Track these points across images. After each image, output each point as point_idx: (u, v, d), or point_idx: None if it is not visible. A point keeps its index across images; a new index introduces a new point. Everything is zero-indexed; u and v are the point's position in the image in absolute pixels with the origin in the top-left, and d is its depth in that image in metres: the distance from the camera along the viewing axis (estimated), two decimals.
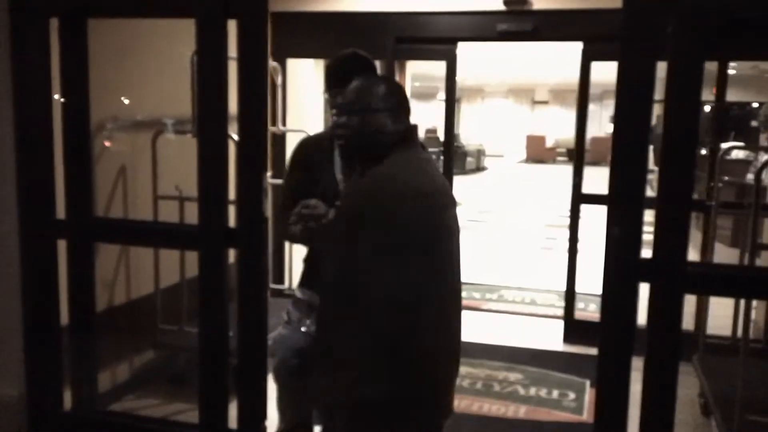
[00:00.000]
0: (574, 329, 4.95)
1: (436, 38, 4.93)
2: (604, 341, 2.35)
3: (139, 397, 3.80)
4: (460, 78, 20.91)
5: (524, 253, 8.28)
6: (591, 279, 6.40)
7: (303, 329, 2.41)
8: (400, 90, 2.03)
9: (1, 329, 3.07)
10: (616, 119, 2.45)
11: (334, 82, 2.30)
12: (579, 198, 4.94)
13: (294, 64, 5.24)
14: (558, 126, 25.45)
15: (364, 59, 2.35)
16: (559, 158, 23.90)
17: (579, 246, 5.03)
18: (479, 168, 19.89)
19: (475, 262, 7.18)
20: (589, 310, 5.66)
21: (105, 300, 3.62)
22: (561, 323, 5.08)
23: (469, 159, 19.27)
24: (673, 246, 2.21)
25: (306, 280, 2.44)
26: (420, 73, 17.26)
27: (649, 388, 2.25)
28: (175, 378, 3.99)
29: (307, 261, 2.48)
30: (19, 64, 2.85)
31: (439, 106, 25.77)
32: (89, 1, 2.81)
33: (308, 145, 2.52)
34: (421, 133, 22.98)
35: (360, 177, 1.97)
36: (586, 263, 5.12)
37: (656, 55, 2.21)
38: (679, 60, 2.18)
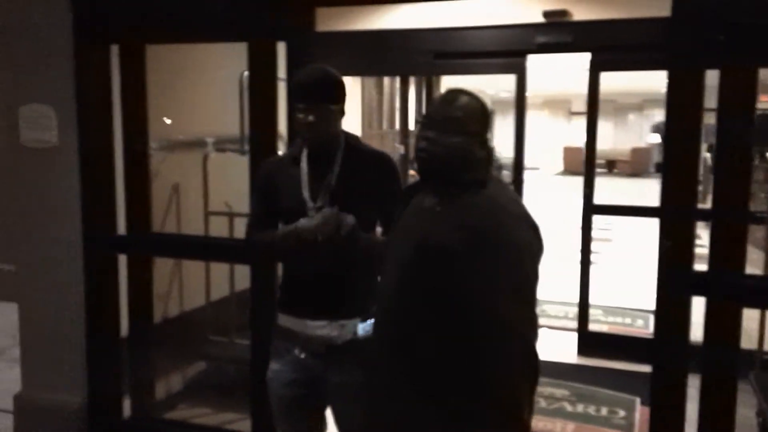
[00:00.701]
0: (589, 342, 4.92)
1: (474, 53, 4.99)
2: (657, 358, 2.29)
3: (192, 407, 3.90)
4: (494, 91, 20.66)
5: (564, 267, 8.22)
6: (634, 293, 6.37)
7: (294, 357, 2.22)
8: (487, 110, 1.85)
9: (64, 339, 3.22)
10: (666, 130, 2.41)
11: (301, 97, 2.15)
12: (590, 209, 4.92)
13: None
14: (598, 137, 25.15)
15: (335, 78, 2.19)
16: (598, 169, 23.53)
17: (592, 257, 5.09)
18: (515, 181, 19.75)
19: None
20: (636, 325, 5.59)
21: (160, 312, 3.75)
22: (604, 338, 5.02)
23: (504, 172, 19.15)
24: (729, 258, 2.16)
25: (285, 305, 2.27)
26: (455, 87, 17.28)
27: (706, 406, 2.20)
28: (225, 388, 4.09)
29: (286, 285, 2.31)
30: (82, 87, 3.01)
31: None
32: (148, 29, 2.96)
33: (268, 167, 2.36)
34: None
35: (450, 202, 1.73)
36: (632, 277, 5.06)
37: (706, 64, 2.17)
38: (730, 68, 2.13)
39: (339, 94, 2.17)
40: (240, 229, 3.89)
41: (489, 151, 1.78)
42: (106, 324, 3.15)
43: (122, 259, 3.19)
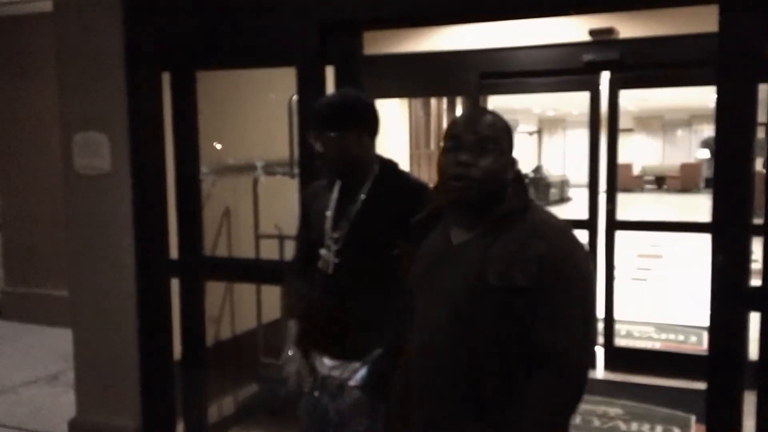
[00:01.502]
0: (614, 356, 4.85)
1: (521, 72, 4.96)
2: (712, 374, 2.27)
3: (245, 429, 3.92)
4: (540, 109, 20.59)
5: (616, 284, 8.05)
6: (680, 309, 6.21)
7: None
8: (510, 127, 1.70)
9: (118, 364, 3.27)
10: (717, 144, 2.38)
11: (311, 125, 2.07)
12: (613, 225, 4.83)
13: (381, 105, 5.39)
14: (644, 153, 24.76)
15: (350, 104, 2.08)
16: (647, 186, 23.17)
17: (615, 273, 5.00)
18: (563, 199, 19.53)
19: None
20: (690, 342, 5.44)
21: (212, 335, 3.79)
22: (657, 355, 4.91)
23: (552, 190, 18.97)
24: None
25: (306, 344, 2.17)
26: (500, 107, 17.27)
27: (763, 423, 2.18)
28: (276, 410, 4.09)
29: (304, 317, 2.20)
30: (134, 113, 3.08)
31: (519, 138, 25.63)
32: (198, 55, 3.02)
33: (307, 193, 2.33)
34: None
35: (500, 232, 1.56)
36: (685, 293, 4.94)
37: (757, 78, 2.15)
38: None
39: (354, 121, 2.05)
40: (290, 252, 3.91)
41: (518, 171, 1.66)
42: (159, 347, 3.19)
43: (174, 283, 3.23)
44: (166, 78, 3.12)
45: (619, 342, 5.40)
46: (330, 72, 2.83)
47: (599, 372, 4.83)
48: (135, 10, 3.00)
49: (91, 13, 3.05)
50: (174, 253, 3.19)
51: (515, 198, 1.61)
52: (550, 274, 1.49)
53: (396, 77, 5.17)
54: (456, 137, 1.57)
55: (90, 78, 3.11)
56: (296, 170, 3.30)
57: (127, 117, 3.06)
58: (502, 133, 1.58)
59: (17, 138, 6.08)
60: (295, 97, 3.08)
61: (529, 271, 1.48)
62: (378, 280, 2.03)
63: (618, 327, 5.93)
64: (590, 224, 4.93)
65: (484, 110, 1.69)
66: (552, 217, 1.62)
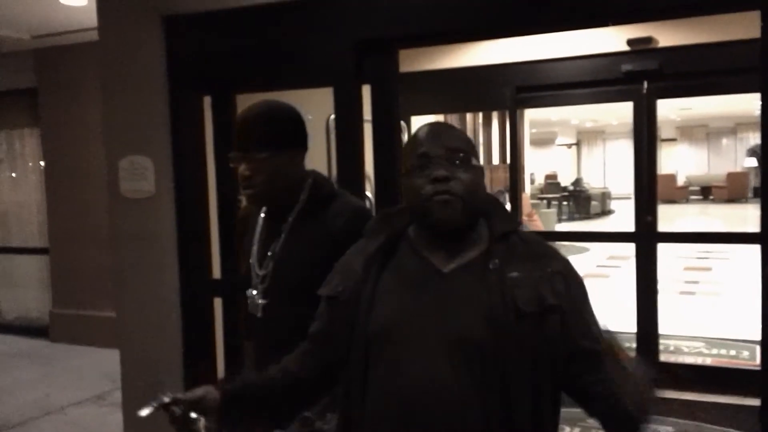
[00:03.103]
0: (661, 373, 4.65)
1: (558, 84, 4.93)
2: (766, 390, 2.21)
3: None
4: (579, 121, 20.38)
5: (662, 298, 7.88)
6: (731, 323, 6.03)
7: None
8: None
9: (165, 383, 3.31)
10: (763, 152, 2.34)
11: (234, 144, 1.77)
12: (654, 237, 4.69)
13: (417, 121, 5.41)
14: (688, 163, 24.29)
15: (275, 117, 1.79)
16: (692, 197, 22.71)
17: (659, 286, 4.84)
18: (605, 212, 19.24)
19: (610, 311, 6.91)
20: (742, 357, 5.28)
21: None
22: (708, 371, 4.78)
23: (593, 203, 18.72)
24: None
25: None
26: (537, 119, 17.16)
27: None
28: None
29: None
30: (177, 137, 3.14)
31: (557, 151, 25.41)
32: (236, 79, 3.07)
33: (238, 220, 2.08)
34: (540, 179, 22.43)
35: (506, 254, 1.40)
36: (735, 306, 4.80)
37: None
38: None
39: (285, 138, 1.75)
40: None
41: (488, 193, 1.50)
42: (203, 367, 3.22)
43: (218, 303, 3.27)
44: (207, 101, 3.19)
45: (668, 358, 5.28)
46: (367, 90, 2.85)
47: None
48: (176, 38, 3.08)
49: (134, 41, 3.13)
50: (217, 273, 3.23)
51: (504, 218, 1.47)
52: (573, 290, 1.39)
53: (432, 93, 5.19)
54: (423, 155, 1.38)
55: (134, 104, 3.19)
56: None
57: (170, 140, 3.12)
58: (469, 144, 1.44)
59: (65, 163, 6.26)
60: (332, 117, 3.11)
61: (557, 291, 1.35)
62: None
63: (666, 342, 5.80)
64: (636, 236, 4.83)
65: (444, 124, 1.55)
66: (539, 237, 1.53)
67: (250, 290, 1.82)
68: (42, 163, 6.69)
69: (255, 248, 1.83)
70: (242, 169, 1.73)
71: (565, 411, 1.44)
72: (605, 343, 1.36)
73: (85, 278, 6.14)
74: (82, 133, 6.01)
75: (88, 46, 5.38)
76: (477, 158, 1.43)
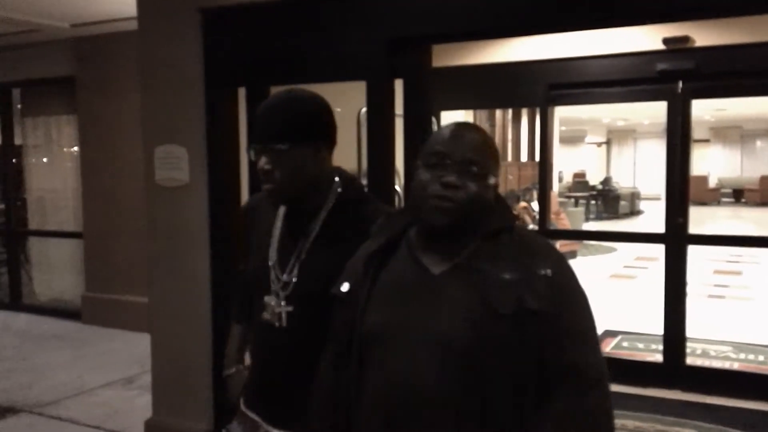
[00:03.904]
0: (687, 376, 4.67)
1: (591, 82, 4.89)
2: None
3: None
4: (610, 119, 20.13)
5: (691, 301, 7.79)
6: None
7: None
8: (496, 147, 1.51)
9: (193, 369, 3.38)
10: None
11: (253, 136, 1.65)
12: (684, 239, 4.63)
13: (447, 117, 5.41)
14: (721, 165, 23.89)
15: (301, 107, 1.63)
16: (724, 199, 22.33)
17: (688, 289, 4.78)
18: (634, 212, 19.02)
19: (636, 312, 6.86)
20: (757, 361, 5.20)
21: None
22: (735, 376, 4.72)
23: (622, 203, 18.51)
24: None
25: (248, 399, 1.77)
26: (567, 117, 17.01)
27: None
28: None
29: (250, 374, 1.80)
30: (212, 128, 3.20)
31: (587, 150, 25.15)
32: (271, 72, 3.11)
33: (248, 209, 1.91)
34: (569, 177, 22.21)
35: (494, 256, 1.37)
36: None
37: None
38: None
39: (312, 129, 1.62)
40: None
41: (498, 193, 1.47)
42: None
43: None
44: (241, 93, 3.24)
45: (694, 361, 5.22)
46: (399, 85, 2.87)
47: (671, 391, 4.68)
48: (213, 30, 3.13)
49: (172, 33, 3.19)
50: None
51: (498, 216, 1.42)
52: (560, 295, 1.35)
53: (463, 89, 5.19)
54: (441, 154, 1.37)
55: (171, 94, 3.25)
56: (364, 183, 3.35)
57: (204, 131, 3.17)
58: (488, 154, 1.40)
59: (100, 151, 6.38)
60: (364, 110, 3.14)
61: (540, 294, 1.32)
62: None
63: (693, 346, 5.74)
64: (666, 238, 4.79)
65: (471, 127, 1.48)
66: (539, 236, 1.50)
67: (268, 297, 1.64)
68: (78, 149, 6.82)
69: (274, 249, 1.67)
70: (262, 162, 1.59)
71: None
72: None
73: (117, 263, 6.26)
74: (118, 122, 6.11)
75: (126, 36, 5.47)
76: (495, 174, 1.40)
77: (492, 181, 1.40)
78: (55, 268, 7.28)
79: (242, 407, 1.77)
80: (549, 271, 1.35)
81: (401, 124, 2.86)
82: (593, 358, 1.37)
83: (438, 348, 1.31)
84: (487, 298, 1.31)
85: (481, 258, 1.36)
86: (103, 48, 6.13)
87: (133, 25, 3.43)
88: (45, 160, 7.41)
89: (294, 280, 1.62)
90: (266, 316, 1.64)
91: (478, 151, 1.38)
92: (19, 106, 7.52)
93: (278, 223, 1.69)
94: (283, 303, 1.62)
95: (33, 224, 7.49)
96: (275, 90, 3.26)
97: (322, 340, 1.55)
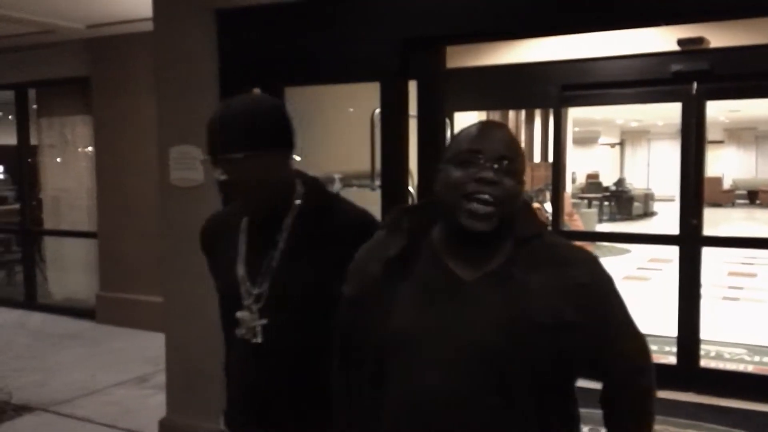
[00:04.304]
0: (700, 378, 4.64)
1: (605, 83, 4.88)
2: None
3: None
4: (624, 120, 20.00)
5: (705, 303, 7.73)
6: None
7: None
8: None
9: (207, 368, 3.39)
10: None
11: (208, 146, 1.53)
12: (699, 241, 4.60)
13: (460, 117, 5.41)
14: (735, 166, 23.72)
15: (256, 112, 1.53)
16: (738, 201, 22.16)
17: (702, 291, 4.76)
18: (647, 213, 18.91)
19: (650, 314, 6.82)
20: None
21: None
22: (749, 379, 4.68)
23: (635, 204, 18.42)
24: None
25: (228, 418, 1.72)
26: (581, 118, 16.93)
27: None
28: None
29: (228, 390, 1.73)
30: None
31: (600, 151, 25.02)
32: (286, 73, 3.13)
33: (208, 226, 1.78)
34: (582, 178, 22.12)
35: (524, 261, 1.33)
36: None
37: None
38: None
39: (268, 136, 1.51)
40: None
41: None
42: None
43: None
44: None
45: (708, 363, 5.19)
46: (413, 86, 2.88)
47: (685, 394, 4.65)
48: (228, 31, 3.14)
49: (188, 34, 3.21)
50: None
51: (528, 222, 1.38)
52: (598, 303, 1.32)
53: (476, 90, 5.18)
54: (472, 151, 1.30)
55: (186, 95, 3.26)
56: (377, 183, 3.36)
57: None
58: (518, 152, 1.34)
59: (114, 151, 6.42)
60: (377, 111, 3.14)
61: (578, 303, 1.28)
62: (325, 350, 1.51)
63: (707, 348, 5.70)
64: (681, 239, 4.76)
65: (498, 124, 1.43)
66: (567, 241, 1.44)
67: (241, 312, 1.56)
68: (92, 150, 6.87)
69: (241, 264, 1.59)
70: (218, 173, 1.49)
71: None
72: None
73: (131, 263, 6.31)
74: (133, 122, 6.15)
75: (141, 37, 5.51)
76: (523, 169, 1.35)
77: (522, 181, 1.34)
78: (70, 268, 7.34)
79: (223, 427, 1.72)
80: (585, 279, 1.32)
81: (415, 125, 2.86)
82: (646, 354, 1.41)
83: (474, 357, 1.26)
84: (525, 309, 1.27)
85: (514, 265, 1.31)
86: (118, 49, 6.18)
87: (148, 26, 3.45)
88: (60, 160, 7.48)
89: (266, 292, 1.55)
90: (241, 332, 1.57)
91: (509, 147, 1.33)
92: (34, 106, 7.59)
93: (242, 237, 1.61)
94: (256, 317, 1.55)
95: (48, 224, 7.55)
96: (288, 90, 3.28)
97: (300, 350, 1.55)
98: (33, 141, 7.62)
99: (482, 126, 1.37)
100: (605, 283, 1.37)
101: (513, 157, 1.31)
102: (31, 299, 7.38)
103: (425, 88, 2.81)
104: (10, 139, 7.76)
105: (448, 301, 1.31)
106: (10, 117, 10.56)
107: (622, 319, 1.39)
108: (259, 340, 1.55)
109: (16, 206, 8.33)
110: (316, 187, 1.65)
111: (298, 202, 1.59)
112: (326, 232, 1.58)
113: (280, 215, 1.58)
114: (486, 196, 1.27)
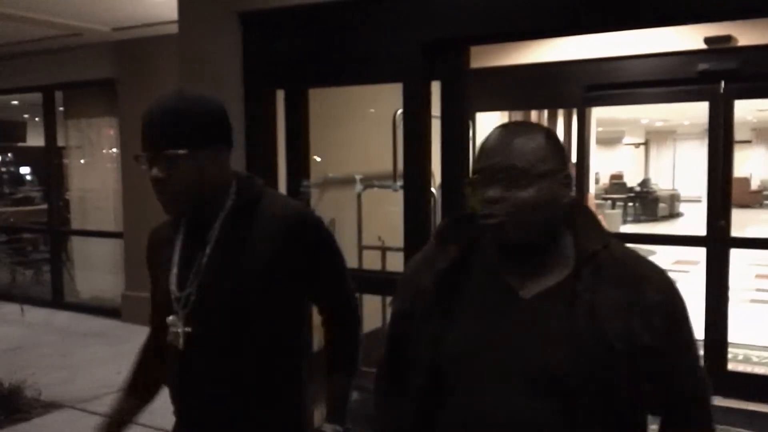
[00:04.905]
0: (728, 382, 4.54)
1: (630, 83, 4.82)
2: None
3: None
4: (649, 120, 19.74)
5: (732, 306, 7.61)
6: None
7: None
8: (558, 140, 1.33)
9: None
10: None
11: (142, 143, 1.47)
12: (726, 242, 4.52)
13: (481, 118, 5.39)
14: (763, 167, 23.32)
15: (192, 108, 1.46)
16: (766, 201, 21.79)
17: (729, 293, 4.68)
18: (673, 214, 18.67)
19: None
20: None
21: (315, 342, 3.89)
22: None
23: (661, 205, 18.19)
24: None
25: None
26: (604, 118, 16.76)
27: None
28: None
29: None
30: (250, 129, 3.23)
31: (624, 151, 24.76)
32: (308, 75, 3.14)
33: (151, 239, 1.70)
34: (606, 179, 21.91)
35: (591, 275, 1.23)
36: None
37: None
38: None
39: (207, 132, 1.45)
40: (392, 263, 3.96)
41: (576, 198, 1.31)
42: None
43: None
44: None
45: (736, 367, 5.11)
46: (435, 87, 2.87)
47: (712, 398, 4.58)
48: (252, 33, 3.16)
49: (212, 36, 3.23)
50: None
51: (591, 232, 1.27)
52: (673, 325, 1.22)
53: (498, 90, 5.15)
54: (483, 170, 1.24)
55: None
56: (399, 184, 3.36)
57: (243, 133, 3.21)
58: (539, 155, 1.23)
59: (139, 150, 6.49)
60: (400, 112, 3.14)
61: (653, 325, 1.18)
62: (263, 349, 1.49)
63: (735, 351, 5.62)
64: (708, 241, 4.70)
65: (516, 129, 1.29)
66: (636, 252, 1.32)
67: (170, 317, 1.50)
68: (117, 150, 6.95)
69: (174, 268, 1.52)
70: (155, 171, 1.43)
71: None
72: None
73: None
74: None
75: (165, 39, 5.57)
76: (554, 168, 1.24)
77: (553, 182, 1.23)
78: (96, 267, 7.44)
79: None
80: (659, 299, 1.21)
81: (436, 126, 2.85)
82: (708, 385, 1.32)
83: (537, 379, 1.18)
84: (594, 330, 1.17)
85: (579, 281, 1.21)
86: (143, 51, 6.25)
87: (173, 29, 3.48)
88: (86, 161, 7.58)
89: (192, 296, 1.47)
90: (169, 337, 1.52)
91: (521, 154, 1.22)
92: (61, 108, 7.70)
93: (177, 242, 1.55)
94: (181, 323, 1.49)
95: (74, 224, 7.66)
96: (311, 92, 3.28)
97: (224, 355, 1.47)
98: (60, 142, 7.74)
99: (492, 138, 1.28)
100: (681, 307, 1.26)
101: (525, 164, 1.21)
102: (58, 298, 7.50)
103: (449, 88, 2.80)
104: (38, 141, 7.88)
105: (505, 316, 1.23)
106: (37, 119, 10.75)
107: (693, 354, 1.29)
108: (180, 346, 1.49)
109: (44, 207, 8.45)
110: (249, 185, 1.55)
111: (231, 200, 1.51)
112: (258, 228, 1.49)
113: (213, 215, 1.50)
114: (491, 221, 1.22)
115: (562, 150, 1.29)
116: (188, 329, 1.48)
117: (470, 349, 1.23)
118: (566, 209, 1.27)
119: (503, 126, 1.31)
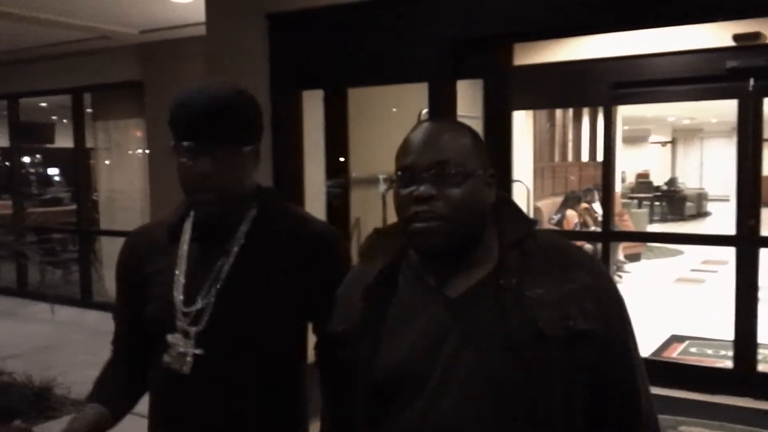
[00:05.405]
0: (759, 383, 4.48)
1: (657, 81, 4.77)
2: None
3: None
4: (676, 118, 19.47)
5: (763, 306, 7.48)
6: None
7: None
8: (479, 137, 1.24)
9: None
10: None
11: (185, 131, 1.30)
12: (756, 241, 4.48)
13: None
14: None
15: (244, 101, 1.32)
16: None
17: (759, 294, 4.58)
18: (700, 213, 18.41)
19: (705, 317, 6.64)
20: None
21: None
22: None
23: (688, 204, 17.95)
24: None
25: None
26: (630, 116, 16.59)
27: None
28: None
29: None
30: (277, 130, 3.26)
31: (651, 149, 24.48)
32: (335, 75, 3.15)
33: (132, 245, 1.50)
34: (631, 178, 21.66)
35: (523, 271, 1.16)
36: None
37: None
38: None
39: (254, 127, 1.34)
40: None
41: (500, 192, 1.23)
42: None
43: None
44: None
45: (766, 368, 5.02)
46: (461, 86, 2.87)
47: (741, 399, 4.51)
48: (279, 35, 3.19)
49: (240, 38, 3.26)
50: None
51: (515, 223, 1.21)
52: (607, 308, 1.16)
53: (524, 89, 5.12)
54: (409, 167, 1.16)
55: None
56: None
57: (270, 133, 3.23)
58: (467, 150, 1.17)
59: (167, 153, 6.56)
60: (425, 111, 3.14)
61: (588, 311, 1.13)
62: (278, 376, 1.34)
63: (765, 352, 5.52)
64: (737, 240, 4.63)
65: (443, 125, 1.23)
66: (564, 239, 1.26)
67: (172, 335, 1.30)
68: (145, 152, 7.03)
69: (180, 282, 1.33)
70: (202, 165, 1.26)
71: None
72: None
73: None
74: None
75: (193, 41, 5.62)
76: (481, 164, 1.17)
77: (484, 178, 1.17)
78: None
79: None
80: (588, 281, 1.16)
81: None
82: (651, 404, 1.20)
83: (479, 383, 1.11)
84: (527, 320, 1.11)
85: (508, 273, 1.15)
86: (171, 53, 6.31)
87: (200, 31, 3.52)
88: (114, 162, 7.68)
89: (208, 311, 1.30)
90: (167, 359, 1.32)
91: (452, 150, 1.15)
92: (90, 110, 7.81)
93: (182, 250, 1.37)
94: (192, 342, 1.29)
95: (102, 224, 7.76)
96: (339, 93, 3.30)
97: (236, 385, 1.30)
98: (88, 144, 7.85)
99: (415, 134, 1.20)
100: (612, 289, 1.21)
101: (456, 159, 1.14)
102: (86, 297, 7.60)
103: (490, 87, 2.80)
104: (66, 142, 8.00)
105: (438, 324, 1.15)
106: (65, 121, 10.92)
107: (627, 336, 1.20)
108: (186, 371, 1.29)
109: (72, 207, 8.57)
110: (275, 197, 1.43)
111: (255, 209, 1.36)
112: (286, 244, 1.35)
113: (231, 224, 1.34)
114: (424, 224, 1.13)
115: (485, 149, 1.23)
116: (199, 351, 1.29)
117: (404, 364, 1.16)
118: (491, 209, 1.20)
119: (428, 121, 1.25)
